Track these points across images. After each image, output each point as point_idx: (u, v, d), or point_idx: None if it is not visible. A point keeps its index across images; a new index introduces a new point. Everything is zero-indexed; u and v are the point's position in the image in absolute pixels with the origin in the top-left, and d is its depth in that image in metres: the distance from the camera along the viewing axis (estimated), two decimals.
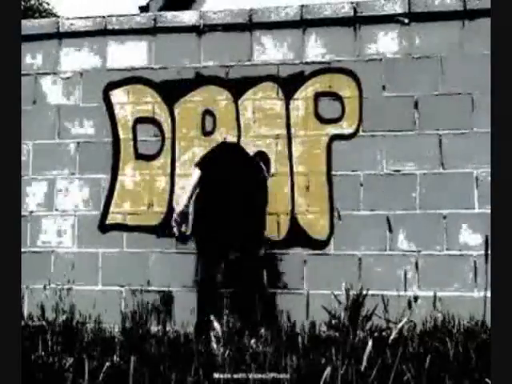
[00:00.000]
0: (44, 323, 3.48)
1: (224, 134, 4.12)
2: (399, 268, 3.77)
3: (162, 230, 4.11)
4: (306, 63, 4.05)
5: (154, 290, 4.06)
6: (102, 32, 4.32)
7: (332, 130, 4.00)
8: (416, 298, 3.68)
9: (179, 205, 3.72)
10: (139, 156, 4.22)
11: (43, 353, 2.74)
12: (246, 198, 3.60)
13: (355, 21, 4.03)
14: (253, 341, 2.91)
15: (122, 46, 4.30)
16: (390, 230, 3.83)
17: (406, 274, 3.62)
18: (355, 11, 4.02)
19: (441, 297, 3.60)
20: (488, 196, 3.69)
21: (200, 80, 4.19)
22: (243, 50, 4.16)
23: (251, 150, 3.94)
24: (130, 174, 4.21)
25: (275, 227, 3.98)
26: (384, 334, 2.97)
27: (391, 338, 2.57)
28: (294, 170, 4.01)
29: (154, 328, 3.60)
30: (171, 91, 4.21)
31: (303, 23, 4.09)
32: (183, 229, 3.76)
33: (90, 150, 4.25)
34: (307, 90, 4.05)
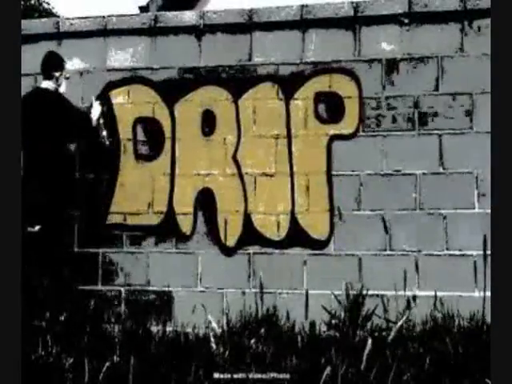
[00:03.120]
0: (44, 323, 3.48)
1: (224, 134, 4.12)
2: (399, 268, 3.77)
3: (161, 229, 4.11)
4: (306, 63, 4.04)
5: (154, 290, 4.06)
6: (102, 32, 4.32)
7: (332, 130, 4.00)
8: (416, 298, 3.68)
9: None
10: (139, 156, 4.22)
11: (43, 353, 2.74)
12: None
13: (355, 21, 4.03)
14: (253, 341, 2.91)
15: (122, 46, 4.30)
16: (386, 231, 3.82)
17: (405, 274, 3.62)
18: (355, 11, 4.02)
19: (441, 297, 3.60)
20: (488, 196, 3.69)
21: (200, 80, 4.19)
22: (243, 49, 4.16)
23: None
24: (130, 174, 4.20)
25: (275, 227, 3.98)
26: (384, 333, 2.97)
27: (391, 337, 2.57)
28: (294, 169, 4.01)
29: (154, 328, 3.60)
30: (171, 91, 4.20)
31: (303, 23, 4.09)
32: None
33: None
34: (307, 90, 4.04)
